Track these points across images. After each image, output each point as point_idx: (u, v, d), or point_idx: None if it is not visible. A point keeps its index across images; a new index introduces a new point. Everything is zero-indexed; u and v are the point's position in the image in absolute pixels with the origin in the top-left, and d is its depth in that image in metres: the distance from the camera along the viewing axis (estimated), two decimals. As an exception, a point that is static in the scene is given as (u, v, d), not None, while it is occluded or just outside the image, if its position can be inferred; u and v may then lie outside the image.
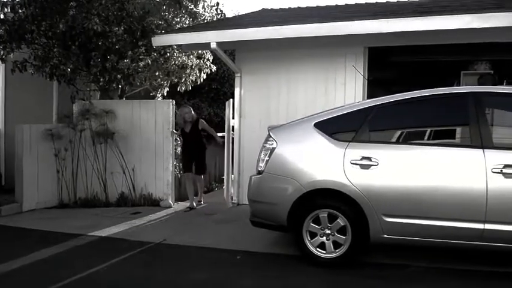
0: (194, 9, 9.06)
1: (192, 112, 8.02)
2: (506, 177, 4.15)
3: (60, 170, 8.10)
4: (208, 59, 9.56)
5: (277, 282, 4.43)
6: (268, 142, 5.03)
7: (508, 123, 4.72)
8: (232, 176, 7.97)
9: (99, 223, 6.73)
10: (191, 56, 9.22)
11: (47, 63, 8.10)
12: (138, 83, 9.13)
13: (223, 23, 8.90)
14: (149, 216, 7.25)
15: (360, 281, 4.42)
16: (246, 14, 10.03)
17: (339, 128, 4.87)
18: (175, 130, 8.26)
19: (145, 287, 4.41)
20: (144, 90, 9.77)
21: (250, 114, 7.88)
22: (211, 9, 9.78)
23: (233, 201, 7.91)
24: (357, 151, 4.61)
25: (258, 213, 5.13)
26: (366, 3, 8.95)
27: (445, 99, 4.71)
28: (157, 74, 8.97)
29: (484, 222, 4.20)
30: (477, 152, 4.28)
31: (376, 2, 8.82)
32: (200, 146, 8.04)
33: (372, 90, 7.42)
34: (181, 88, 9.48)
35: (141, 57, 8.25)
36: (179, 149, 8.71)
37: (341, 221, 4.63)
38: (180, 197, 8.60)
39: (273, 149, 4.94)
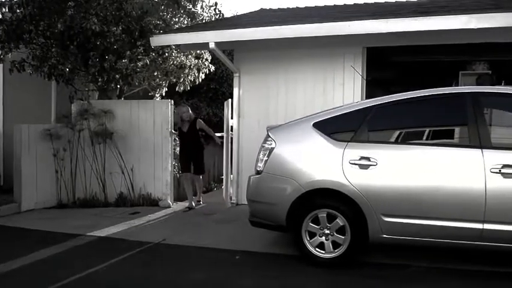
0: (192, 9, 9.05)
1: (190, 111, 8.01)
2: (504, 177, 4.16)
3: (59, 170, 8.09)
4: (206, 59, 9.56)
5: (277, 282, 4.44)
6: (267, 142, 5.04)
7: (506, 123, 4.73)
8: (231, 176, 7.97)
9: (98, 223, 6.72)
10: (189, 56, 9.22)
11: (45, 63, 8.10)
12: (136, 83, 9.12)
13: (222, 23, 8.90)
14: (148, 216, 7.25)
15: (359, 280, 4.42)
16: (244, 14, 10.03)
17: (338, 128, 4.88)
18: (174, 130, 8.26)
19: (144, 287, 4.41)
20: (143, 90, 9.77)
21: (249, 114, 7.88)
22: (209, 9, 9.78)
23: (232, 201, 7.91)
24: (356, 151, 4.62)
25: (257, 213, 5.14)
26: (364, 3, 8.97)
27: (444, 99, 4.72)
28: (155, 74, 8.97)
29: (483, 222, 4.21)
30: (476, 152, 4.29)
31: (375, 2, 8.84)
32: (198, 146, 8.03)
33: (371, 90, 7.44)
34: (180, 88, 9.48)
35: (139, 57, 8.25)
36: (178, 149, 8.71)
37: (340, 221, 4.64)
38: (179, 197, 8.59)
39: (272, 149, 4.95)
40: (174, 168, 8.50)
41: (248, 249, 5.41)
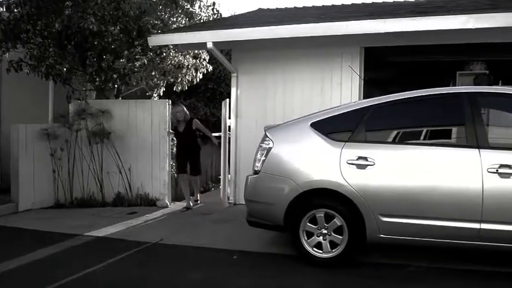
0: (190, 9, 9.04)
1: (186, 111, 7.97)
2: (501, 177, 4.17)
3: (56, 170, 8.08)
4: (204, 59, 9.55)
5: (274, 282, 4.44)
6: (265, 142, 5.04)
7: (503, 123, 4.74)
8: (229, 175, 7.97)
9: (95, 223, 6.71)
10: (187, 56, 9.21)
11: (42, 62, 8.08)
12: (134, 83, 9.11)
13: (220, 23, 8.90)
14: (146, 216, 7.24)
15: (356, 280, 4.43)
16: (242, 14, 10.03)
17: (336, 128, 4.88)
18: (172, 130, 8.25)
19: (142, 287, 4.41)
20: (140, 90, 9.76)
21: (247, 114, 7.88)
22: (207, 9, 9.77)
23: (230, 201, 7.91)
24: (353, 151, 4.62)
25: (255, 213, 5.14)
26: (362, 3, 8.97)
27: (441, 100, 4.72)
28: (153, 73, 8.96)
29: (480, 221, 4.22)
30: (473, 152, 4.30)
31: (373, 2, 8.85)
32: (194, 146, 8.01)
33: (368, 90, 7.45)
34: (178, 88, 9.47)
35: (137, 56, 8.24)
36: (175, 148, 8.69)
37: (338, 221, 4.65)
38: (176, 197, 8.59)
39: (270, 148, 4.95)
40: (172, 168, 8.49)
41: (246, 249, 5.41)
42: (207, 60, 9.62)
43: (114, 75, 8.34)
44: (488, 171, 4.20)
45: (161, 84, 9.47)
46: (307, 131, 4.89)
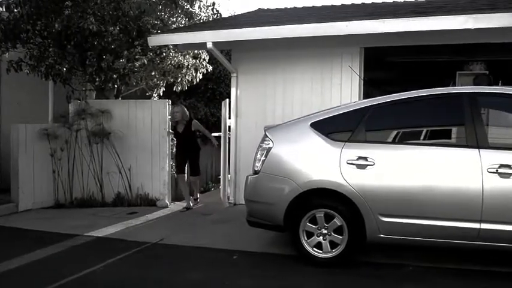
0: (190, 9, 9.04)
1: (184, 112, 7.92)
2: (501, 177, 4.18)
3: (56, 170, 8.08)
4: (204, 59, 9.55)
5: (274, 282, 4.44)
6: (265, 142, 5.04)
7: (503, 123, 4.74)
8: (229, 176, 7.97)
9: (95, 223, 6.71)
10: (187, 56, 9.20)
11: (42, 62, 8.07)
12: (134, 83, 9.10)
13: (220, 23, 8.90)
14: (146, 216, 7.24)
15: (356, 280, 4.43)
16: (242, 14, 10.03)
17: (335, 128, 4.88)
18: (171, 130, 8.24)
19: (142, 287, 4.41)
20: (140, 90, 9.75)
21: (247, 114, 7.88)
22: (207, 9, 9.77)
23: (230, 201, 7.91)
24: (353, 151, 4.63)
25: (255, 213, 5.14)
26: (362, 3, 8.97)
27: (441, 100, 4.73)
28: (153, 73, 8.96)
29: (480, 221, 4.22)
30: (473, 152, 4.30)
31: (372, 3, 8.85)
32: (194, 146, 7.98)
33: (368, 90, 7.45)
34: (178, 88, 9.46)
35: (137, 57, 8.23)
36: (175, 148, 8.69)
37: (338, 221, 4.65)
38: (176, 197, 8.59)
39: (269, 148, 4.95)
40: (172, 168, 8.49)
41: (246, 249, 5.41)
42: (207, 60, 9.62)
43: (114, 75, 8.33)
44: (488, 171, 4.20)
45: (161, 84, 9.47)
46: (307, 131, 4.89)
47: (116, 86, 8.88)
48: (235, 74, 7.95)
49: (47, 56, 8.03)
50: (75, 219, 7.02)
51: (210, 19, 9.75)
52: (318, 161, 4.78)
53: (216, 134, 8.24)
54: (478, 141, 4.33)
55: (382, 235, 4.54)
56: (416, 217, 4.41)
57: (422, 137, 4.88)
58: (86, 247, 5.69)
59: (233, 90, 8.01)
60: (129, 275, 4.68)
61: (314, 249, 4.75)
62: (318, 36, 6.71)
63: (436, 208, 4.35)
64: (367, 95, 7.15)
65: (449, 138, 4.82)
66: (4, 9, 7.98)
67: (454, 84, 7.88)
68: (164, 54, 8.76)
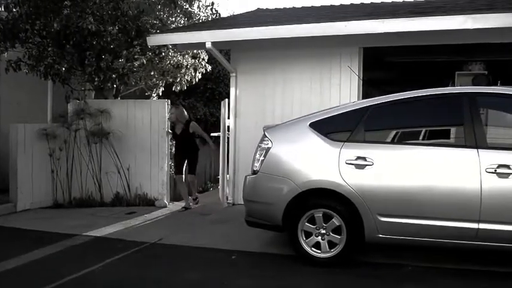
0: (189, 9, 9.04)
1: (182, 113, 7.88)
2: (500, 177, 4.18)
3: (55, 170, 8.07)
4: (203, 59, 9.54)
5: (273, 282, 4.44)
6: (264, 142, 5.04)
7: (502, 123, 4.75)
8: (228, 176, 7.97)
9: (94, 223, 6.71)
10: (186, 56, 9.19)
11: (41, 62, 8.06)
12: (133, 83, 9.09)
13: (219, 22, 8.89)
14: (144, 216, 7.24)
15: (355, 280, 4.43)
16: (241, 14, 10.03)
17: (334, 128, 4.89)
18: (170, 130, 8.23)
19: (140, 287, 4.40)
20: (139, 90, 9.74)
21: (246, 114, 7.88)
22: (206, 9, 9.76)
23: (228, 201, 7.91)
24: (352, 151, 4.63)
25: (253, 213, 5.14)
26: (361, 3, 8.98)
27: (440, 100, 4.73)
28: (152, 73, 8.95)
29: (479, 221, 4.22)
30: (471, 152, 4.31)
31: (371, 3, 8.85)
32: (192, 147, 7.93)
33: (367, 90, 7.44)
34: (177, 88, 9.45)
35: (136, 56, 8.22)
36: (174, 149, 8.68)
37: (336, 221, 4.65)
38: (175, 197, 8.58)
39: (268, 148, 4.95)
40: (171, 168, 8.48)
41: (244, 249, 5.41)
42: (206, 60, 9.62)
43: (113, 75, 8.32)
44: (487, 171, 4.20)
45: (160, 84, 9.46)
46: (306, 131, 4.90)
47: (115, 85, 8.88)
48: (234, 74, 7.94)
49: (46, 56, 8.02)
50: (74, 219, 7.02)
51: (209, 19, 9.75)
52: (317, 161, 4.78)
53: (215, 134, 8.23)
54: (476, 141, 4.34)
55: (380, 235, 4.54)
56: (415, 217, 4.41)
57: (421, 137, 4.89)
58: (85, 247, 5.68)
59: (232, 90, 8.00)
60: (127, 274, 4.68)
61: (312, 249, 4.75)
62: (317, 36, 6.71)
63: (435, 208, 4.35)
64: (366, 95, 7.15)
65: (448, 138, 4.83)
66: (3, 9, 7.98)
67: (452, 85, 7.88)
68: (163, 54, 8.75)
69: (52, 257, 5.24)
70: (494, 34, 6.08)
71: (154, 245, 5.67)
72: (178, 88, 9.46)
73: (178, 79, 9.27)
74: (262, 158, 4.97)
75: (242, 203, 5.56)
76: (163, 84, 9.54)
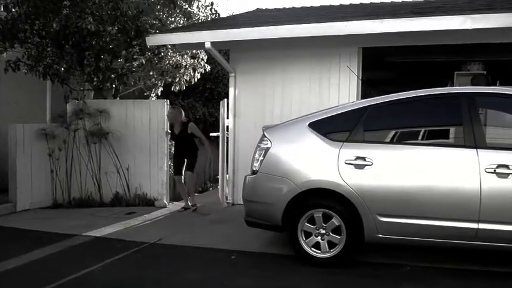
0: (188, 9, 9.04)
1: (180, 114, 7.82)
2: (499, 177, 4.19)
3: (54, 170, 8.07)
4: (202, 59, 9.54)
5: (273, 282, 4.44)
6: (263, 142, 5.04)
7: (501, 123, 4.76)
8: (227, 175, 7.97)
9: (93, 223, 6.71)
10: (185, 56, 9.20)
11: (40, 62, 8.05)
12: (132, 83, 9.10)
13: (218, 22, 8.89)
14: (144, 216, 7.24)
15: (355, 280, 4.44)
16: (240, 14, 10.03)
17: (334, 128, 4.89)
18: (170, 130, 8.22)
19: (140, 287, 4.41)
20: (138, 90, 9.74)
21: (245, 114, 7.87)
22: (205, 9, 9.77)
23: (228, 201, 7.91)
24: (352, 151, 4.63)
25: (253, 213, 5.14)
26: (360, 3, 8.98)
27: (439, 100, 4.73)
28: (151, 73, 8.95)
29: (478, 221, 4.23)
30: (471, 152, 4.31)
31: (371, 3, 8.86)
32: (191, 147, 7.89)
33: (366, 90, 7.45)
34: (176, 88, 9.46)
35: (135, 56, 8.23)
36: (173, 148, 8.67)
37: (336, 221, 4.65)
38: (174, 197, 8.58)
39: (268, 148, 4.95)
40: (170, 168, 8.48)
41: (244, 249, 5.41)
42: (205, 60, 9.62)
43: (112, 75, 8.32)
44: (486, 171, 4.21)
45: (159, 84, 9.46)
46: (305, 131, 4.90)
47: (114, 85, 8.88)
48: (233, 74, 7.94)
49: (45, 56, 8.02)
50: (73, 219, 7.02)
51: (209, 19, 9.75)
52: (316, 161, 4.78)
53: (214, 134, 8.22)
54: (476, 141, 4.34)
55: (380, 235, 4.55)
56: (414, 217, 4.42)
57: (420, 137, 4.89)
58: (84, 247, 5.68)
59: (231, 90, 8.00)
60: (127, 275, 4.68)
61: (312, 249, 4.76)
62: (317, 36, 6.71)
63: (435, 208, 4.36)
64: (365, 95, 7.15)
65: (448, 138, 4.83)
66: (2, 9, 7.98)
67: (452, 85, 7.89)
68: (162, 54, 8.76)
69: (52, 257, 5.24)
70: (494, 34, 6.08)
71: (154, 245, 5.68)
72: (177, 88, 9.47)
73: (177, 79, 9.28)
74: (261, 158, 4.97)
75: (242, 203, 5.56)
76: (162, 84, 9.55)
